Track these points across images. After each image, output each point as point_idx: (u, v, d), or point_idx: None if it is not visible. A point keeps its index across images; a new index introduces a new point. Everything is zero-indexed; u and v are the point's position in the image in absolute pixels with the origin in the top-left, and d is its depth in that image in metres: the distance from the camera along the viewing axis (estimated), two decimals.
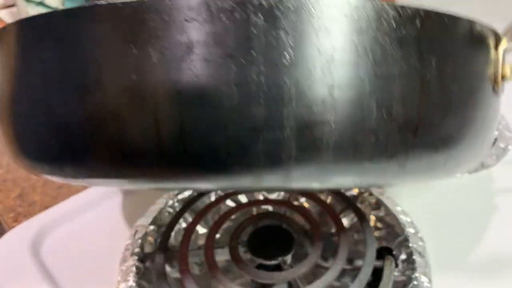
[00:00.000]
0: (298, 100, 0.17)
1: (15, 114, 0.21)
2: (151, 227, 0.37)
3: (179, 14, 0.17)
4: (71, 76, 0.18)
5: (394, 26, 0.18)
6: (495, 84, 0.25)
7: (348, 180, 0.20)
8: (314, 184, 0.20)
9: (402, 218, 0.36)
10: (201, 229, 0.39)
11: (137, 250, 0.35)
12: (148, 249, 0.36)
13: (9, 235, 0.40)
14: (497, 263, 0.34)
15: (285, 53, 0.17)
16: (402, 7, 0.18)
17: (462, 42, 0.21)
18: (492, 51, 0.24)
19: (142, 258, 0.34)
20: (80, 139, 0.19)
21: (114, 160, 0.19)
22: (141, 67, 0.17)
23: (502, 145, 0.43)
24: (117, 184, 0.21)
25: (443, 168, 0.22)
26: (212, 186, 0.20)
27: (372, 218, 0.38)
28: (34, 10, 0.74)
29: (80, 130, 0.19)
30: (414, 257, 0.33)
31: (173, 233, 0.37)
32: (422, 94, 0.19)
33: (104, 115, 0.18)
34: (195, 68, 0.17)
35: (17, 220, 0.42)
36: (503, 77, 0.25)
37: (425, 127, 0.20)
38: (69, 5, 0.86)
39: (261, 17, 0.16)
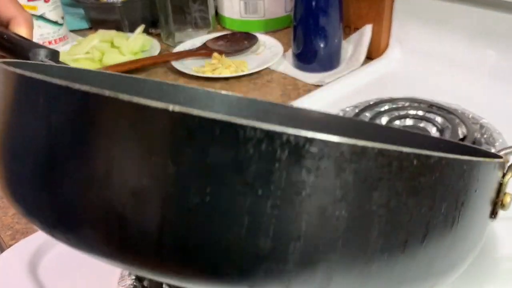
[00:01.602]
0: (306, 237, 0.17)
1: (12, 156, 0.20)
2: None
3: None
4: (80, 162, 0.18)
5: (410, 174, 0.18)
6: (493, 212, 0.25)
7: None
8: None
9: None
10: None
11: None
12: None
13: (6, 254, 0.39)
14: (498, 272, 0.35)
15: (303, 191, 0.17)
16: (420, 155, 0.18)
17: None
18: (499, 182, 0.25)
19: (140, 277, 0.34)
20: (79, 215, 0.19)
21: (109, 246, 0.19)
22: (157, 176, 0.17)
23: None
24: (107, 262, 0.20)
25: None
26: None
27: None
28: (33, 24, 0.74)
29: (81, 208, 0.18)
30: None
31: None
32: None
33: (108, 210, 0.18)
34: (209, 189, 0.17)
35: (14, 238, 0.42)
36: (502, 206, 0.25)
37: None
38: (68, 19, 0.86)
39: (287, 153, 0.16)
